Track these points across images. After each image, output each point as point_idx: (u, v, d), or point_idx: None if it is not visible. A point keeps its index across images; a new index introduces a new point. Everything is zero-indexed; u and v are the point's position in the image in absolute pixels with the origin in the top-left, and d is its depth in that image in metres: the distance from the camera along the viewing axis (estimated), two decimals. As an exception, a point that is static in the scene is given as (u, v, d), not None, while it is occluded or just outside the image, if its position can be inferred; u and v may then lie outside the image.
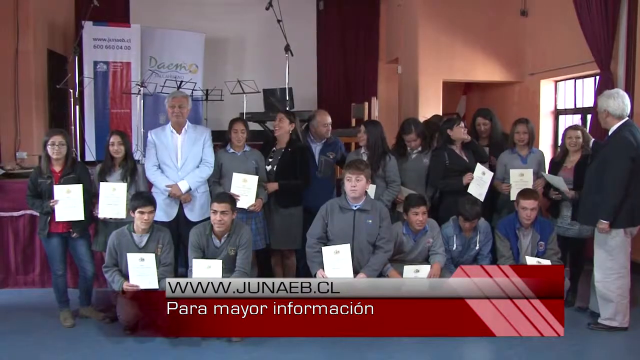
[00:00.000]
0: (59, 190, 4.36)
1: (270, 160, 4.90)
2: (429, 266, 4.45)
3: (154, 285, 4.16)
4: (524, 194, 4.64)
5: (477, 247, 4.71)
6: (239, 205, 4.59)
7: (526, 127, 5.06)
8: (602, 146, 4.44)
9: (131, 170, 4.65)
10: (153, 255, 4.20)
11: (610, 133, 4.36)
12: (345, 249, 4.23)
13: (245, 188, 4.63)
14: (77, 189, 4.38)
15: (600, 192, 4.25)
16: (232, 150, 4.82)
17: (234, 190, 4.61)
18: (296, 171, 4.87)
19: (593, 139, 4.96)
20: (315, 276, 4.30)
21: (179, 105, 4.67)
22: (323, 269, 4.24)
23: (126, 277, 4.23)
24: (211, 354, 4.06)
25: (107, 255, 4.38)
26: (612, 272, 4.34)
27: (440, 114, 7.65)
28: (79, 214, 4.39)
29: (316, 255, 4.31)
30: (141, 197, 4.35)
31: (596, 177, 4.31)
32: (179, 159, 4.69)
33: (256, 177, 4.65)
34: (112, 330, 4.40)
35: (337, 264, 4.22)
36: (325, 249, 4.26)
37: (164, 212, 4.66)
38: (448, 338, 4.30)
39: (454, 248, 4.70)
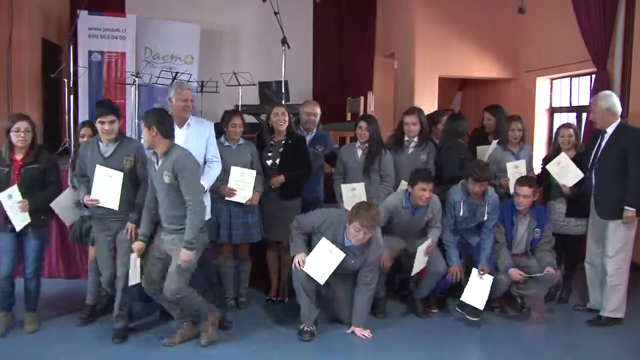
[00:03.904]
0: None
1: (270, 154, 4.82)
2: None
3: (114, 206, 3.98)
4: (520, 180, 4.65)
5: (483, 218, 4.65)
6: (236, 199, 4.54)
7: (521, 124, 5.09)
8: (610, 144, 4.46)
9: None
10: (122, 175, 3.97)
11: (612, 130, 4.46)
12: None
13: (243, 182, 4.57)
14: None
15: (625, 183, 4.32)
16: (227, 144, 4.74)
17: (231, 184, 4.54)
18: (298, 162, 4.80)
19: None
20: (293, 258, 4.23)
21: (191, 99, 4.34)
22: (305, 253, 4.19)
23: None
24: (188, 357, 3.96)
25: (77, 165, 4.22)
26: (624, 262, 4.46)
27: (436, 109, 7.64)
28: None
29: (299, 238, 4.27)
30: (102, 106, 4.09)
31: (617, 171, 4.37)
32: None
33: (254, 172, 4.59)
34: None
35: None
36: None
37: None
38: (441, 335, 4.33)
39: (460, 214, 4.64)
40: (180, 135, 4.27)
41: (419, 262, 4.53)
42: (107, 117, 3.98)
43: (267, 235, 4.82)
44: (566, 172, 4.77)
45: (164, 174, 3.78)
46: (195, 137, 4.33)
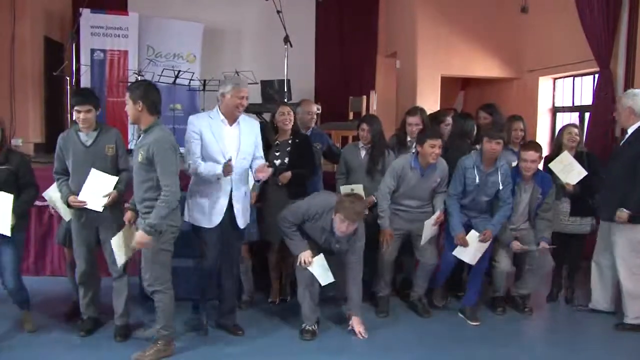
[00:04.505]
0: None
1: (277, 154, 4.69)
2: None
3: (99, 207, 3.86)
4: (526, 146, 4.62)
5: (495, 189, 4.52)
6: None
7: (522, 124, 5.10)
8: (627, 144, 4.41)
9: None
10: (116, 179, 3.89)
11: (631, 130, 4.40)
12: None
13: None
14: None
15: (632, 186, 4.26)
16: None
17: None
18: (307, 161, 4.76)
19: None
20: (297, 256, 4.16)
21: (247, 97, 3.94)
22: (310, 252, 4.13)
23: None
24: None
25: (55, 160, 4.01)
26: (638, 268, 4.38)
27: (438, 109, 7.63)
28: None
29: (296, 236, 4.19)
30: (79, 94, 3.98)
31: (627, 173, 4.31)
32: (232, 156, 3.90)
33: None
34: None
35: None
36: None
37: (206, 218, 3.99)
38: (442, 335, 4.32)
39: (472, 179, 4.50)
40: (232, 134, 3.96)
41: (428, 232, 4.50)
42: (83, 107, 3.84)
43: (271, 236, 4.69)
44: (570, 169, 4.75)
45: (139, 152, 3.63)
46: (246, 136, 4.03)
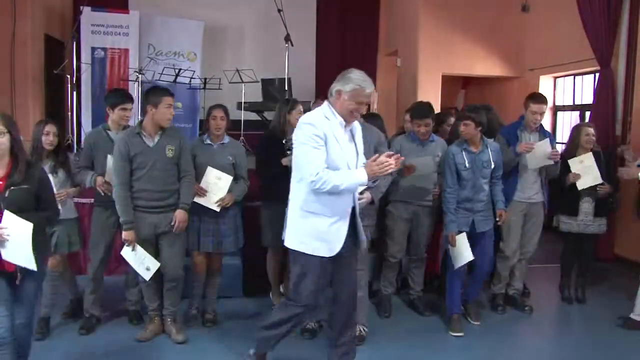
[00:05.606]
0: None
1: (289, 152, 4.17)
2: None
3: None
4: (535, 97, 4.64)
5: (489, 168, 4.34)
6: (203, 202, 4.18)
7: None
8: None
9: (61, 163, 4.05)
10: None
11: None
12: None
13: (217, 187, 4.18)
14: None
15: None
16: (208, 142, 4.32)
17: (203, 184, 4.18)
18: None
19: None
20: None
21: (369, 103, 3.31)
22: None
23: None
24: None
25: (82, 156, 4.21)
26: None
27: (439, 107, 7.65)
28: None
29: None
30: (124, 94, 4.27)
31: None
32: (355, 162, 3.29)
33: (230, 178, 4.20)
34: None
35: None
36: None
37: (326, 245, 3.22)
38: (443, 335, 4.33)
39: (462, 163, 4.30)
40: (347, 135, 3.30)
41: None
42: (129, 104, 4.17)
43: (267, 242, 4.52)
44: (587, 172, 4.68)
45: (167, 148, 3.90)
46: (359, 138, 3.43)
